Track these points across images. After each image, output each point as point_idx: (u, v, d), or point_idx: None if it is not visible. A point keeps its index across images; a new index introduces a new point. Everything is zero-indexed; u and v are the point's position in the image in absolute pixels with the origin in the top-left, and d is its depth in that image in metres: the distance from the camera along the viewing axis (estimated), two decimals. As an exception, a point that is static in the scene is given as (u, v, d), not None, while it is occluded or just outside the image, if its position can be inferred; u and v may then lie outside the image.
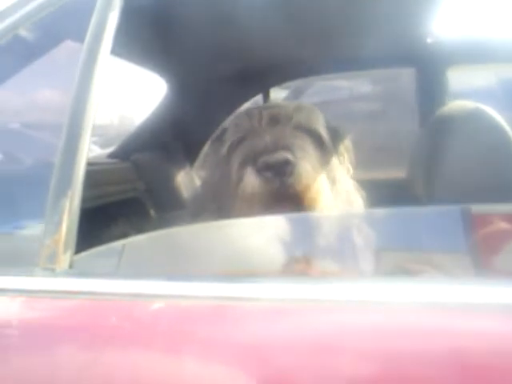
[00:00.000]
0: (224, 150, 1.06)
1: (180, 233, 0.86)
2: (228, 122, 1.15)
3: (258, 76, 1.99)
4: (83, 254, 0.79)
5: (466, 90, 2.11)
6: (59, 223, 0.78)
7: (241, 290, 0.70)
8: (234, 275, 0.76)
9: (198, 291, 0.71)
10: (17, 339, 0.75)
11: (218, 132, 1.19)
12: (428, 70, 1.87)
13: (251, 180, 0.93)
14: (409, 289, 0.64)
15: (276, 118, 1.03)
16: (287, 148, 0.93)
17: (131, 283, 0.74)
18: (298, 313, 0.68)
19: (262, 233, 0.84)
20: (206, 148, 1.31)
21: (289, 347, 0.66)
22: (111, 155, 2.07)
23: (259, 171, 0.92)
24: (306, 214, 0.93)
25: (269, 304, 0.68)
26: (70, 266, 0.78)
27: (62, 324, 0.76)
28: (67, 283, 0.77)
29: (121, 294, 0.74)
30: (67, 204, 0.79)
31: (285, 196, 0.93)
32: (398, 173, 1.89)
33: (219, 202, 1.08)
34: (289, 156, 0.91)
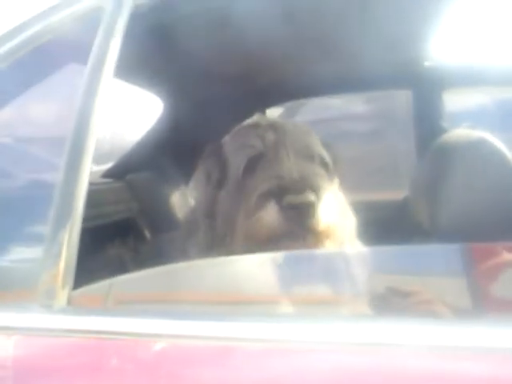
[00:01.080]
0: (239, 171, 1.05)
1: (180, 269, 0.83)
2: (226, 138, 1.14)
3: (254, 96, 1.98)
4: (82, 290, 0.77)
5: (462, 112, 2.12)
6: (57, 257, 0.76)
7: (244, 330, 0.68)
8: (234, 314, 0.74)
9: (202, 331, 0.69)
10: (12, 381, 0.72)
11: (209, 149, 1.18)
12: (425, 93, 1.87)
13: (272, 215, 0.92)
14: (412, 331, 0.63)
15: (284, 145, 1.02)
16: (311, 188, 0.93)
17: (132, 321, 0.72)
18: (303, 353, 0.66)
19: (258, 271, 0.82)
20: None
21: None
22: (106, 174, 2.04)
23: (283, 209, 0.91)
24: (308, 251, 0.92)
25: (275, 345, 0.66)
26: (69, 303, 0.75)
27: (60, 364, 0.73)
28: (65, 321, 0.74)
29: (121, 333, 0.71)
30: (66, 237, 0.77)
31: (301, 235, 0.93)
32: (391, 194, 1.88)
33: (215, 222, 1.06)
34: (313, 198, 0.91)
